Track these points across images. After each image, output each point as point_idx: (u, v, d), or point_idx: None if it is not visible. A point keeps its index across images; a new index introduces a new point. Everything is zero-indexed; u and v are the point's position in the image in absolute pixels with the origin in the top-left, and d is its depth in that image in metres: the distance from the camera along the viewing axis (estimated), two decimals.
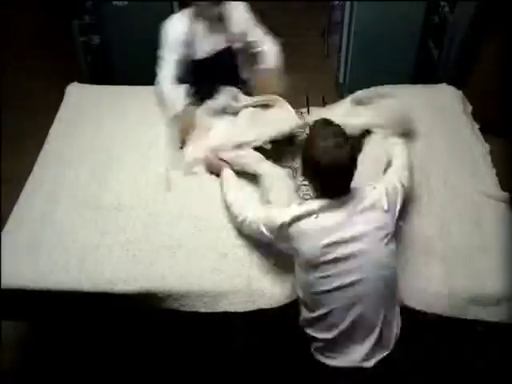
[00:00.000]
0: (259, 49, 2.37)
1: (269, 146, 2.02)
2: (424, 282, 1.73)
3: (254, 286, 1.72)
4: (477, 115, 2.36)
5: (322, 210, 1.49)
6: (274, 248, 1.69)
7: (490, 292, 1.71)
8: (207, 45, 2.30)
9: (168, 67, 2.22)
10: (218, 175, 1.99)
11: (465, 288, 1.72)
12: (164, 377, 2.20)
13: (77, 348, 2.27)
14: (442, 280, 1.74)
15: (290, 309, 1.69)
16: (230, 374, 2.13)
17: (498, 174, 2.09)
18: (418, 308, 1.70)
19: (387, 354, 1.52)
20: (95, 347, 2.25)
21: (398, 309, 1.59)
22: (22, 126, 3.26)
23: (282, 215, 1.54)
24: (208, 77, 2.27)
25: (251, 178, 1.96)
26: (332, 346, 1.52)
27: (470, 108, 2.39)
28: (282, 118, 2.11)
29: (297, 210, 1.52)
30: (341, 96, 2.96)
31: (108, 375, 2.20)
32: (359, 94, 2.23)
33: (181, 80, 2.24)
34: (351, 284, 1.46)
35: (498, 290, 1.71)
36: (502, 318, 1.70)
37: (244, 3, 2.33)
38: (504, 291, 1.71)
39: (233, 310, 1.71)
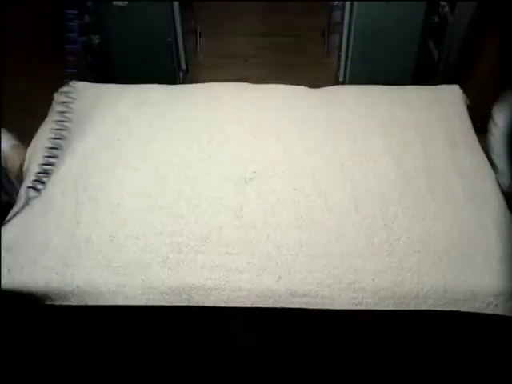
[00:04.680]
0: None
1: None
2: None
3: None
4: (477, 115, 2.37)
5: None
6: None
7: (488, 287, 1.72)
8: None
9: None
10: None
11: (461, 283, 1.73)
12: (163, 377, 2.20)
13: (76, 348, 2.27)
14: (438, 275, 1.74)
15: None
16: (229, 374, 2.13)
17: None
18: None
19: None
20: (94, 347, 2.25)
21: None
22: (21, 126, 3.25)
23: None
24: None
25: None
26: None
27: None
28: None
29: None
30: None
31: (107, 375, 2.20)
32: None
33: None
34: None
35: (496, 285, 1.72)
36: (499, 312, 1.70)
37: None
38: (502, 286, 1.71)
39: None
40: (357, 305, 1.72)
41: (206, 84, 2.51)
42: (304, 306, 1.74)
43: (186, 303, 1.75)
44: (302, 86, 2.44)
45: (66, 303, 1.79)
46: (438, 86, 2.51)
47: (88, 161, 2.13)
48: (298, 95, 2.46)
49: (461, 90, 2.45)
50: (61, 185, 2.03)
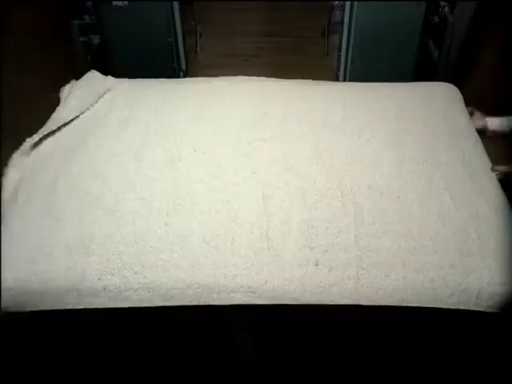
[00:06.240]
0: None
1: None
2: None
3: None
4: None
5: None
6: None
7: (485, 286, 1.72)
8: None
9: None
10: None
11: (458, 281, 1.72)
12: (162, 377, 2.20)
13: (76, 349, 2.28)
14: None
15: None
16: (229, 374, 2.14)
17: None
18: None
19: None
20: (94, 348, 2.25)
21: None
22: (22, 126, 3.26)
23: None
24: None
25: None
26: None
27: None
28: None
29: None
30: None
31: (107, 375, 2.21)
32: None
33: None
34: None
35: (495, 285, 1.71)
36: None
37: None
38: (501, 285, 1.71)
39: None
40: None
41: (203, 78, 2.49)
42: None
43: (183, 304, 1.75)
44: (304, 79, 2.41)
45: (64, 305, 1.79)
46: (431, 83, 2.51)
47: (87, 161, 2.13)
48: (299, 92, 2.45)
49: (454, 87, 2.45)
50: (60, 185, 2.03)
